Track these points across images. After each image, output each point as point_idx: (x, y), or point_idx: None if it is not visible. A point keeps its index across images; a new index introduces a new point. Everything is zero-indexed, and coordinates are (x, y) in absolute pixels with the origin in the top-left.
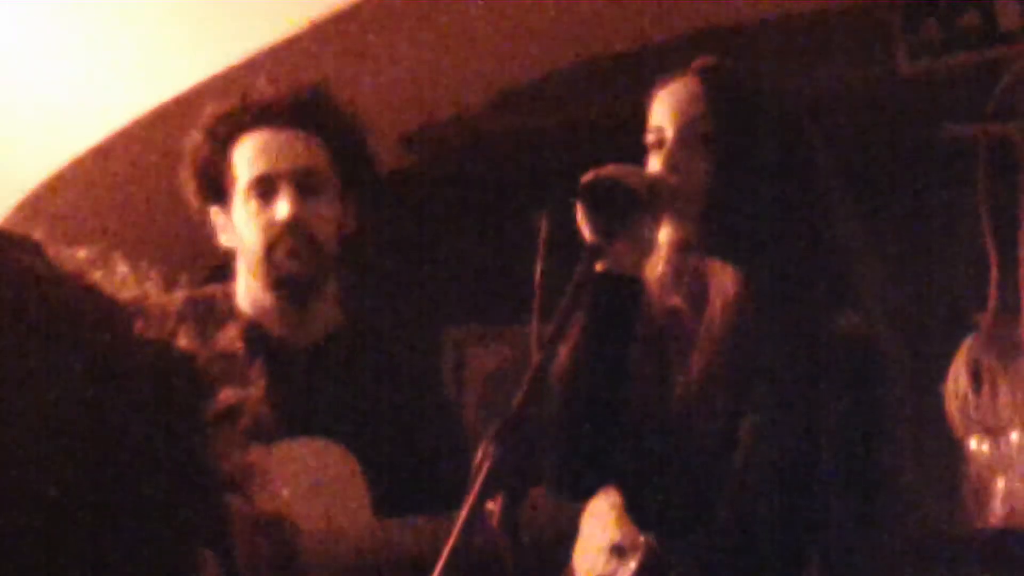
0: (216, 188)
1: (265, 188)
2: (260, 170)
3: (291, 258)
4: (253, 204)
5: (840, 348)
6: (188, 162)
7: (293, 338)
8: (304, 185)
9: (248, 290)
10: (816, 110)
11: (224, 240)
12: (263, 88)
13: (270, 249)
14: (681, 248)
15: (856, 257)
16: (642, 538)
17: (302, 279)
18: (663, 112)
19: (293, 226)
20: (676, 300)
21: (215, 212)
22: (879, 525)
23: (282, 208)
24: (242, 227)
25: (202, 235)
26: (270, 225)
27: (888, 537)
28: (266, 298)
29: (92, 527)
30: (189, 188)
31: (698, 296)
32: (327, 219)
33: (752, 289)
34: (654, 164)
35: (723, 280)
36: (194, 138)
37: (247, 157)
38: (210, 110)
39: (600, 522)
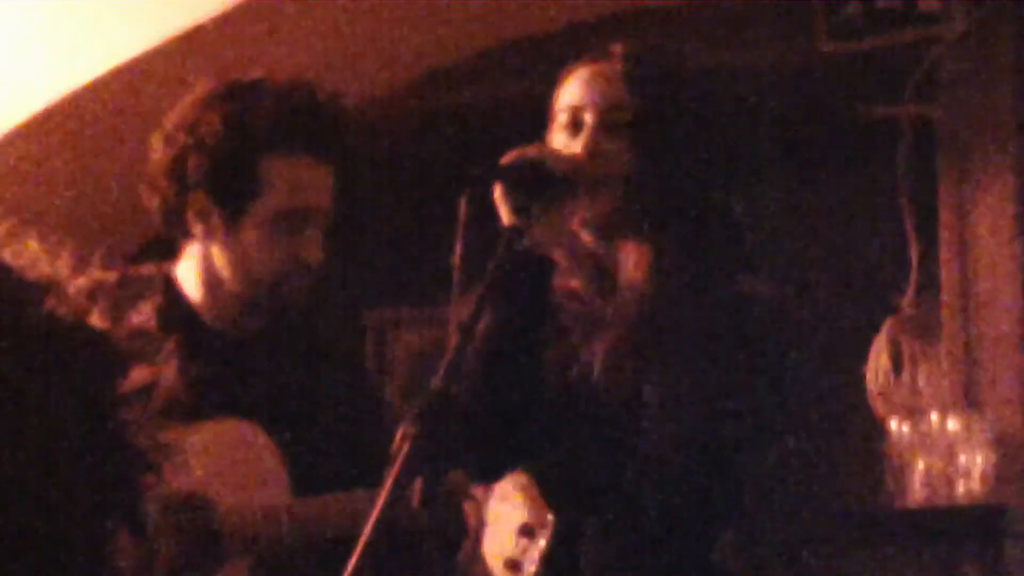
0: (227, 184)
1: (293, 224)
2: (294, 203)
3: (293, 294)
4: (276, 233)
5: (743, 309)
6: (197, 139)
7: (222, 325)
8: (325, 224)
9: (207, 285)
10: (737, 89)
11: (197, 230)
12: (294, 89)
13: (279, 282)
14: (596, 228)
15: (749, 223)
16: (550, 516)
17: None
18: (581, 94)
19: (312, 269)
20: (575, 282)
21: (200, 198)
22: (785, 486)
23: (312, 254)
24: (250, 244)
25: (128, 215)
26: (291, 260)
27: (794, 497)
28: (234, 306)
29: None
30: (189, 162)
31: (602, 278)
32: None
33: (662, 267)
34: (560, 143)
35: (635, 262)
36: (213, 120)
37: (281, 182)
38: (238, 100)
39: (508, 505)
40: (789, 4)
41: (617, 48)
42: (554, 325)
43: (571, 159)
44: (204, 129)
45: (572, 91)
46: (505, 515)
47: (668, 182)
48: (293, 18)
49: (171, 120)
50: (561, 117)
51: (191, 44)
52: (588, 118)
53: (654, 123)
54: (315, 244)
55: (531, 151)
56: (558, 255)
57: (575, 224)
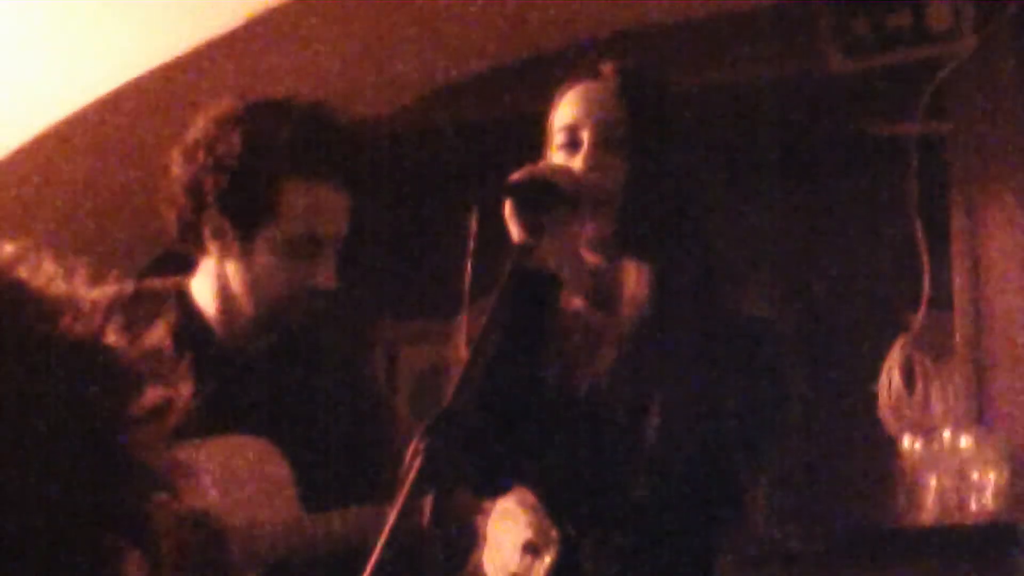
0: (243, 206)
1: (308, 248)
2: (309, 229)
3: (306, 316)
4: (290, 257)
5: (741, 328)
6: (216, 159)
7: (234, 342)
8: (339, 249)
9: (221, 302)
10: (745, 106)
11: (213, 247)
12: (314, 114)
13: (291, 305)
14: (597, 247)
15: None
16: (554, 533)
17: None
18: (576, 113)
19: (327, 295)
20: (577, 300)
21: (216, 216)
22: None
23: (326, 279)
24: (264, 266)
25: (144, 229)
26: (304, 284)
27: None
28: (246, 324)
29: (11, 519)
30: (207, 181)
31: (604, 296)
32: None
33: (663, 286)
34: (560, 162)
35: (636, 281)
36: (232, 140)
37: (297, 206)
38: (259, 122)
39: (510, 522)
40: (799, 22)
41: (608, 66)
42: (560, 340)
43: (578, 176)
44: (223, 149)
45: (567, 111)
46: (507, 532)
47: (665, 196)
48: (301, 37)
49: (191, 136)
50: (558, 137)
51: (199, 62)
52: (585, 136)
53: (649, 137)
54: (329, 269)
55: (540, 168)
56: (564, 273)
57: (578, 242)
